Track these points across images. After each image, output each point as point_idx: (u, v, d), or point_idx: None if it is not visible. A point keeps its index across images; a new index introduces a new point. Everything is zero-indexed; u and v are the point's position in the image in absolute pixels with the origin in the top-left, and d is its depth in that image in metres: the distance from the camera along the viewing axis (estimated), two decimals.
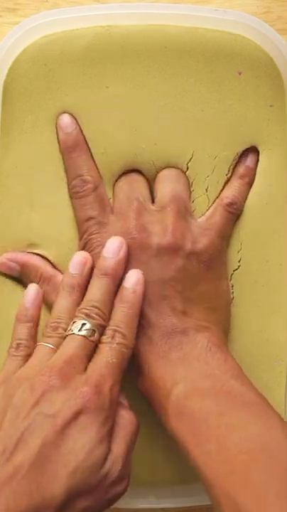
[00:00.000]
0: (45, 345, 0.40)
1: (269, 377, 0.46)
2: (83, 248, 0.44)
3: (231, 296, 0.46)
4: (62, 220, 0.45)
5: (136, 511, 0.46)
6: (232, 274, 0.46)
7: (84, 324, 0.40)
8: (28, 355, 0.41)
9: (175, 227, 0.43)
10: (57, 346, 0.40)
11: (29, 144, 0.45)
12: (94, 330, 0.40)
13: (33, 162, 0.45)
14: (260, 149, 0.46)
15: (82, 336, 0.40)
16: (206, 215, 0.45)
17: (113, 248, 0.42)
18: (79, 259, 0.43)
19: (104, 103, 0.45)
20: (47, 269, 0.45)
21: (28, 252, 0.45)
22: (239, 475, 0.35)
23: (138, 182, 0.45)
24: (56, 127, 0.45)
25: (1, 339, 0.44)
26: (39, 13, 0.45)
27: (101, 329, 0.40)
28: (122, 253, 0.42)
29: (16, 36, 0.44)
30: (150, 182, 0.45)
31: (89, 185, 0.44)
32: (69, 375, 0.38)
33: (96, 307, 0.41)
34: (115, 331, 0.40)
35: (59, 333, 0.41)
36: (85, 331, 0.40)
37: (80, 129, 0.45)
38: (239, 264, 0.46)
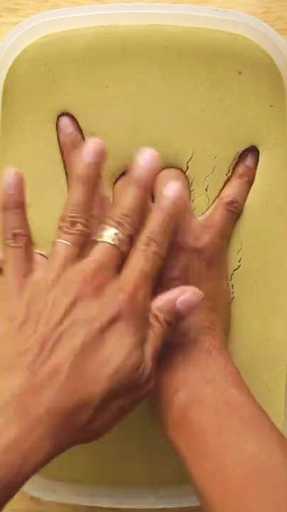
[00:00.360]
0: (64, 243, 0.39)
1: (269, 377, 0.46)
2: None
3: (232, 296, 0.46)
4: None
5: (135, 511, 0.46)
6: (232, 273, 0.46)
7: (116, 234, 0.39)
8: (29, 244, 0.40)
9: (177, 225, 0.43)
10: (78, 245, 0.39)
11: (29, 143, 0.45)
12: (125, 240, 0.39)
13: (32, 162, 0.45)
14: (260, 149, 0.46)
15: (113, 245, 0.39)
16: (206, 215, 0.45)
17: (148, 159, 0.40)
18: (95, 146, 0.39)
19: (103, 103, 0.45)
20: None
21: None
22: (234, 500, 0.35)
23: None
24: (56, 128, 0.45)
25: None
26: (39, 13, 0.45)
27: (131, 240, 0.39)
28: (154, 165, 0.40)
29: (16, 36, 0.44)
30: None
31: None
32: (102, 283, 0.37)
33: (128, 216, 0.39)
34: (150, 239, 0.39)
35: (78, 230, 0.39)
36: (118, 241, 0.39)
37: (80, 129, 0.45)
38: (239, 263, 0.46)
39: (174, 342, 0.42)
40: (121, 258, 0.39)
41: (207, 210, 0.46)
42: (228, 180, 0.46)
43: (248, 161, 0.46)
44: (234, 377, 0.41)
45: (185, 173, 0.45)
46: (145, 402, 0.42)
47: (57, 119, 0.45)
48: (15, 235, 0.39)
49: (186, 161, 0.45)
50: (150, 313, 0.39)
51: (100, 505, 0.46)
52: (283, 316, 0.46)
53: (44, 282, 0.38)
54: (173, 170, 0.45)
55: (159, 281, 0.42)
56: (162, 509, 0.46)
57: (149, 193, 0.41)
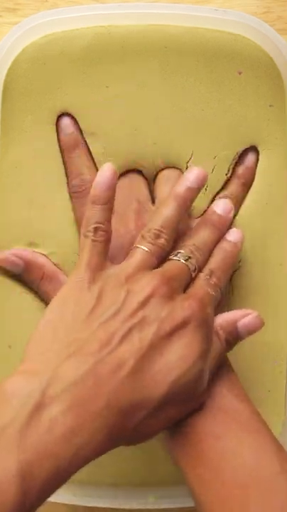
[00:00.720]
0: (144, 249, 0.40)
1: (269, 377, 0.46)
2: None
3: (232, 297, 0.46)
4: (62, 219, 0.45)
5: (135, 511, 0.46)
6: (232, 274, 0.46)
7: (188, 258, 0.40)
8: (107, 240, 0.40)
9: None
10: (156, 256, 0.40)
11: (29, 143, 0.45)
12: (195, 267, 0.40)
13: (32, 161, 0.45)
14: (260, 149, 0.46)
15: (185, 264, 0.40)
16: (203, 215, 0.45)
17: (224, 206, 0.43)
18: (198, 173, 0.42)
19: (103, 103, 0.45)
20: (50, 267, 0.45)
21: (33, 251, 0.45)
22: (233, 510, 0.35)
23: (138, 182, 0.45)
24: (56, 128, 0.45)
25: None
26: (39, 13, 0.45)
27: (198, 269, 0.41)
28: (230, 213, 0.43)
29: (16, 36, 0.44)
30: (150, 182, 0.45)
31: (89, 185, 0.44)
32: (175, 288, 0.38)
33: (200, 249, 0.41)
34: (212, 271, 0.41)
35: (160, 243, 0.40)
36: (189, 263, 0.40)
37: (80, 129, 0.45)
38: (239, 264, 0.46)
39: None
40: (190, 279, 0.40)
41: (205, 211, 0.45)
42: (228, 180, 0.46)
43: (247, 161, 0.46)
44: (232, 382, 0.41)
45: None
46: None
47: (58, 119, 0.45)
48: (96, 229, 0.40)
49: (186, 161, 0.45)
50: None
51: (99, 505, 0.46)
52: (283, 316, 0.46)
53: (118, 277, 0.38)
54: (173, 170, 0.45)
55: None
56: (162, 509, 0.46)
57: (223, 234, 0.43)
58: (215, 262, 0.41)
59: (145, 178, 0.45)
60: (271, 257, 0.46)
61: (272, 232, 0.46)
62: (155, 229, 0.40)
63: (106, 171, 0.40)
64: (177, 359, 0.36)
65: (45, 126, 0.45)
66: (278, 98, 0.45)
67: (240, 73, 0.45)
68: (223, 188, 0.46)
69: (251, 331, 0.40)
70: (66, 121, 0.45)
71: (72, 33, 0.45)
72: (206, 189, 0.45)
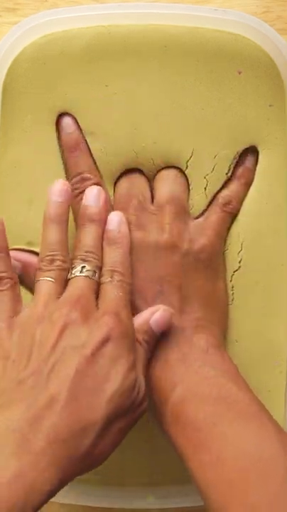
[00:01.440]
0: (46, 280, 0.40)
1: (269, 377, 0.46)
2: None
3: (232, 297, 0.46)
4: None
5: (135, 511, 0.46)
6: (233, 274, 0.46)
7: (83, 267, 0.40)
8: (14, 285, 0.41)
9: (173, 227, 0.44)
10: (59, 280, 0.40)
11: (28, 142, 0.45)
12: (94, 271, 0.41)
13: (32, 161, 0.45)
14: (260, 149, 0.46)
15: (85, 276, 0.40)
16: (203, 216, 0.45)
17: (92, 197, 0.42)
18: (60, 187, 0.42)
19: (103, 102, 0.45)
20: None
21: (30, 252, 0.45)
22: (234, 492, 0.35)
23: (138, 181, 0.45)
24: (57, 128, 0.45)
25: None
26: (38, 12, 0.45)
27: (99, 271, 0.41)
28: (102, 198, 0.43)
29: (16, 36, 0.44)
30: (151, 181, 0.45)
31: (89, 183, 0.44)
32: (87, 308, 0.38)
33: (90, 251, 0.41)
34: (112, 271, 0.41)
35: (57, 266, 0.41)
36: (87, 272, 0.40)
37: (80, 128, 0.45)
38: (239, 264, 0.46)
39: (170, 341, 0.42)
40: (96, 286, 0.40)
41: (205, 210, 0.45)
42: (228, 179, 0.46)
43: (247, 162, 0.46)
44: (231, 373, 0.41)
45: (184, 172, 0.45)
46: None
47: (59, 118, 0.45)
48: (0, 279, 0.41)
49: (186, 160, 0.45)
50: None
51: (100, 505, 0.45)
52: (283, 316, 0.46)
53: (31, 320, 0.38)
54: (172, 170, 0.45)
55: (151, 279, 0.43)
56: (162, 509, 0.46)
57: (103, 226, 0.42)
58: (109, 258, 0.42)
59: (146, 177, 0.45)
60: (271, 258, 0.46)
61: (272, 232, 0.46)
62: (46, 255, 0.41)
63: (66, 122, 0.43)
64: (107, 378, 0.36)
65: (44, 126, 0.45)
66: (278, 98, 0.45)
67: (240, 73, 0.45)
68: (223, 187, 0.46)
69: (162, 325, 0.41)
70: (67, 121, 0.45)
71: (72, 33, 0.45)
72: (205, 188, 0.45)
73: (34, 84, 0.45)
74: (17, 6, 0.49)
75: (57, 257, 0.41)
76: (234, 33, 0.45)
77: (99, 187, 0.43)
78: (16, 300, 0.41)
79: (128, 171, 0.45)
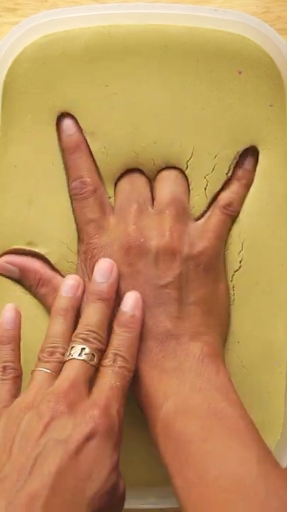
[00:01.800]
0: (43, 371, 0.40)
1: (269, 378, 0.46)
2: (84, 253, 0.44)
3: (232, 298, 0.46)
4: (61, 219, 0.45)
5: (135, 511, 0.46)
6: (233, 274, 0.46)
7: (83, 349, 0.40)
8: (16, 377, 0.41)
9: (173, 231, 0.43)
10: (55, 371, 0.40)
11: (28, 142, 0.45)
12: (93, 354, 0.40)
13: (32, 161, 0.45)
14: (260, 149, 0.46)
15: (82, 360, 0.39)
16: (204, 217, 0.45)
17: (104, 272, 0.42)
18: (71, 282, 0.43)
19: (103, 102, 0.45)
20: (46, 272, 0.45)
21: (29, 252, 0.45)
22: None
23: (139, 183, 0.45)
24: (58, 129, 0.45)
25: None
26: (39, 12, 0.45)
27: (99, 353, 0.40)
28: (113, 275, 0.42)
29: (16, 36, 0.45)
30: (151, 181, 0.45)
31: (89, 187, 0.44)
32: (75, 400, 0.37)
33: (93, 331, 0.41)
34: (116, 354, 0.40)
35: (56, 358, 0.40)
36: (85, 356, 0.40)
37: (81, 130, 0.45)
38: (240, 264, 0.46)
39: (166, 349, 0.42)
40: (92, 372, 0.40)
41: (205, 211, 0.45)
42: (228, 179, 0.46)
43: (246, 163, 0.46)
44: (224, 386, 0.41)
45: (184, 172, 0.45)
46: (134, 393, 0.42)
47: (60, 119, 0.45)
48: (5, 368, 0.41)
49: (186, 160, 0.45)
50: None
51: None
52: (283, 316, 0.46)
53: (18, 408, 0.38)
54: (172, 171, 0.45)
55: (150, 289, 0.43)
56: (162, 509, 0.46)
57: (112, 303, 0.42)
58: (117, 340, 0.41)
59: (147, 178, 0.45)
60: (272, 258, 0.46)
61: (272, 232, 0.46)
62: (47, 347, 0.41)
63: (8, 311, 0.42)
64: (89, 478, 0.35)
65: (44, 126, 0.45)
66: (278, 98, 0.45)
67: (240, 73, 0.45)
68: (223, 188, 0.46)
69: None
70: (67, 122, 0.45)
71: (72, 33, 0.45)
72: (205, 188, 0.45)
73: (34, 84, 0.45)
74: (17, 6, 0.49)
75: (58, 350, 0.41)
76: (234, 33, 0.45)
77: (111, 261, 0.43)
78: (13, 394, 0.40)
79: (129, 171, 0.45)
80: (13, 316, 0.42)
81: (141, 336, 0.42)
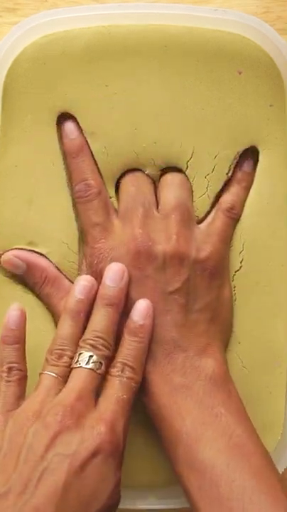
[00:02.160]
0: (50, 375, 0.40)
1: (270, 378, 0.46)
2: (90, 256, 0.44)
3: (233, 298, 0.46)
4: (61, 219, 0.45)
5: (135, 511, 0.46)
6: (234, 275, 0.46)
7: (91, 356, 0.40)
8: (22, 379, 0.40)
9: (179, 236, 0.43)
10: (63, 376, 0.40)
11: (28, 142, 0.45)
12: (101, 362, 0.40)
13: (32, 161, 0.45)
14: (260, 149, 0.46)
15: (89, 369, 0.39)
16: (207, 221, 0.45)
17: (114, 277, 0.42)
18: (85, 283, 0.42)
19: (103, 102, 0.45)
20: (52, 270, 0.45)
21: (34, 252, 0.45)
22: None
23: (143, 184, 0.45)
24: (59, 131, 0.45)
25: None
26: (39, 13, 0.45)
27: (106, 361, 0.40)
28: (124, 280, 0.42)
29: (16, 36, 0.44)
30: (154, 181, 0.45)
31: (94, 190, 0.44)
32: (82, 413, 0.37)
33: (101, 338, 0.40)
34: (124, 364, 0.40)
35: (64, 362, 0.40)
36: (92, 364, 0.40)
37: (81, 131, 0.45)
38: (240, 265, 0.46)
39: (175, 362, 0.42)
40: (99, 380, 0.40)
41: (207, 213, 0.45)
42: (228, 180, 0.46)
43: (246, 165, 0.46)
44: (238, 411, 0.41)
45: (184, 172, 0.45)
46: (145, 405, 0.42)
47: (61, 122, 0.45)
48: (10, 369, 0.40)
49: (186, 160, 0.45)
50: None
51: None
52: (284, 317, 0.46)
53: (25, 415, 0.38)
54: (177, 175, 0.45)
55: (158, 295, 0.42)
56: (162, 509, 0.45)
57: (121, 309, 0.42)
58: (126, 349, 0.41)
59: (149, 178, 0.45)
60: (272, 258, 0.46)
61: (273, 233, 0.46)
62: (56, 348, 0.41)
63: (12, 310, 0.41)
64: (93, 495, 0.36)
65: (44, 126, 0.45)
66: (278, 98, 0.45)
67: (240, 73, 0.45)
68: (225, 190, 0.46)
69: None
70: (70, 126, 0.45)
71: (72, 33, 0.45)
72: (207, 188, 0.45)
73: (34, 84, 0.45)
74: (17, 6, 0.49)
75: (66, 353, 0.40)
76: (234, 33, 0.45)
77: (122, 265, 0.42)
78: (18, 396, 0.40)
79: (131, 171, 0.45)
80: (18, 315, 0.41)
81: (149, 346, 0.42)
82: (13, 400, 0.39)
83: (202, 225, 0.45)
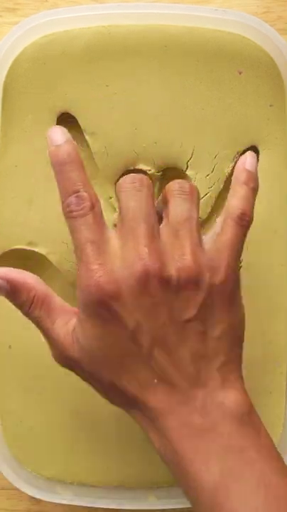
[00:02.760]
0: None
1: (270, 378, 0.46)
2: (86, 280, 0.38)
3: None
4: (61, 219, 0.45)
5: None
6: None
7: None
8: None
9: (192, 256, 0.37)
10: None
11: (28, 142, 0.45)
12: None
13: (32, 161, 0.45)
14: (260, 149, 0.46)
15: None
16: (215, 231, 0.39)
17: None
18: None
19: (104, 102, 0.45)
20: (42, 289, 0.39)
21: (29, 252, 0.45)
22: None
23: (145, 192, 0.38)
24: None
25: None
26: (39, 13, 0.45)
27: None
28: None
29: (16, 36, 0.44)
30: (154, 183, 0.45)
31: (87, 203, 0.37)
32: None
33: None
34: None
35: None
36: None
37: (75, 134, 0.43)
38: (241, 264, 0.46)
39: (194, 400, 0.36)
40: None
41: (210, 212, 0.45)
42: (229, 180, 0.46)
43: (248, 165, 0.41)
44: (270, 451, 0.36)
45: (185, 172, 0.45)
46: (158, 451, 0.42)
47: (57, 118, 0.45)
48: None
49: (186, 160, 0.45)
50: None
51: (100, 506, 0.45)
52: (284, 317, 0.46)
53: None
54: (185, 183, 0.39)
55: (174, 325, 0.37)
56: (162, 510, 0.46)
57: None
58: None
59: (150, 184, 0.40)
60: (272, 258, 0.46)
61: (273, 233, 0.46)
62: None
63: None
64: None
65: (44, 126, 0.45)
66: (278, 98, 0.45)
67: (240, 73, 0.45)
68: (223, 188, 0.45)
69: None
70: (56, 131, 0.39)
71: (72, 33, 0.45)
72: (209, 189, 0.45)
73: (34, 84, 0.45)
74: (17, 6, 0.49)
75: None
76: (234, 33, 0.45)
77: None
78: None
79: (130, 172, 0.45)
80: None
81: (163, 380, 0.37)
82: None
83: (210, 235, 0.39)
